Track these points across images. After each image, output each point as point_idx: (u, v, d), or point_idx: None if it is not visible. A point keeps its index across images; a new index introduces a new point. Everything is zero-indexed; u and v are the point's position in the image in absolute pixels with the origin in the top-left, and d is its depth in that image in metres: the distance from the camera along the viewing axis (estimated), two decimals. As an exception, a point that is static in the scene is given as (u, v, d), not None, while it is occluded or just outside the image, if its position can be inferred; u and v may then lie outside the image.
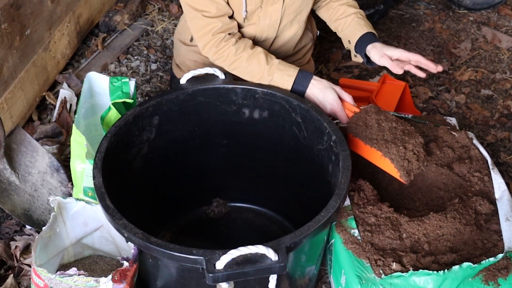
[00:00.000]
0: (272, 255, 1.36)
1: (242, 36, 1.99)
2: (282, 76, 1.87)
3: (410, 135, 1.77)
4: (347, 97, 1.89)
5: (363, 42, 1.97)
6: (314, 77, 1.89)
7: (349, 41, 2.03)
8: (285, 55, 2.10)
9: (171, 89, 1.84)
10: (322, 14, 2.15)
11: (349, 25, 2.04)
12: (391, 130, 1.77)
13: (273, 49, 2.06)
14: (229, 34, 1.93)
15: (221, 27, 1.91)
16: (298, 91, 1.87)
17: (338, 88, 1.89)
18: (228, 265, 1.36)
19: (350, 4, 2.08)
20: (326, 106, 1.87)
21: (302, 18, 2.05)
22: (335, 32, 2.13)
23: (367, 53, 1.97)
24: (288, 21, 2.02)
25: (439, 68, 1.90)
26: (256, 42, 2.01)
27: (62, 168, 2.08)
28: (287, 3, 1.97)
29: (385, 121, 1.79)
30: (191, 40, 2.11)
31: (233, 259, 1.36)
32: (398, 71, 1.90)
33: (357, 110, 1.84)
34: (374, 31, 2.00)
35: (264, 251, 1.36)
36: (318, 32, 2.28)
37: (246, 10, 1.93)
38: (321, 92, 1.87)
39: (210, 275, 1.35)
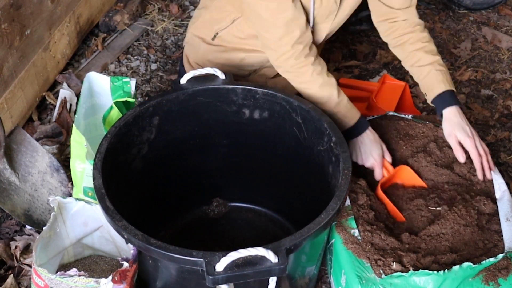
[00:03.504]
0: (272, 257, 1.36)
1: None
2: (346, 115, 1.90)
3: None
4: (388, 157, 1.93)
5: (440, 103, 1.93)
6: (370, 128, 1.92)
7: (425, 93, 1.99)
8: None
9: (171, 89, 1.84)
10: (397, 53, 2.08)
11: (425, 76, 1.97)
12: None
13: None
14: (307, 46, 1.88)
15: (300, 37, 1.85)
16: (349, 134, 1.88)
17: (384, 146, 1.93)
18: (228, 267, 1.36)
19: (427, 50, 1.99)
20: (369, 159, 1.90)
21: (331, 35, 2.05)
22: (340, 35, 2.13)
23: (443, 117, 1.92)
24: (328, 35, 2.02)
25: (488, 175, 1.87)
26: None
27: (62, 168, 2.08)
28: (336, 21, 1.96)
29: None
30: (214, 38, 2.08)
31: (233, 261, 1.36)
32: (460, 158, 1.89)
33: (392, 169, 1.92)
34: (452, 87, 1.94)
35: (264, 253, 1.36)
36: None
37: (313, 24, 1.92)
38: (371, 144, 1.90)
39: (210, 277, 1.35)
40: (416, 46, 1.99)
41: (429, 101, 1.99)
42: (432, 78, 1.95)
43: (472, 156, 1.87)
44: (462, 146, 1.89)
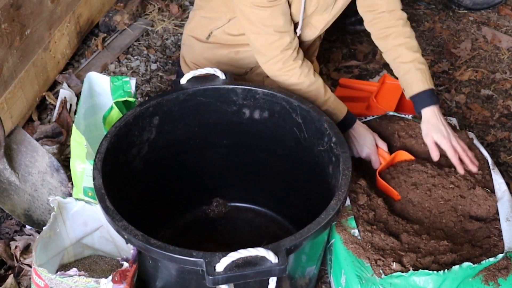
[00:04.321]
0: (272, 257, 1.36)
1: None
2: (334, 111, 1.95)
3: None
4: (382, 145, 1.98)
5: (418, 102, 1.96)
6: (358, 121, 1.98)
7: (403, 89, 2.02)
8: None
9: (171, 89, 1.84)
10: (379, 45, 2.10)
11: (405, 73, 2.00)
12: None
13: None
14: (295, 50, 1.92)
15: (289, 43, 1.90)
16: (340, 128, 1.85)
17: (376, 135, 1.98)
18: (228, 268, 1.36)
19: (409, 46, 2.01)
20: (364, 149, 1.96)
21: (328, 26, 2.06)
22: (334, 32, 2.13)
23: (421, 117, 1.96)
24: (323, 30, 2.04)
25: (474, 169, 1.91)
26: None
27: (62, 168, 2.08)
28: (333, 12, 1.98)
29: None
30: (208, 37, 2.09)
31: (233, 261, 1.36)
32: (434, 157, 1.94)
33: (388, 156, 1.97)
34: (431, 86, 1.97)
35: (264, 254, 1.36)
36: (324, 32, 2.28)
37: (303, 18, 1.94)
38: (362, 135, 1.97)
39: (210, 277, 1.35)
40: (398, 41, 2.02)
41: (407, 97, 2.02)
42: (411, 76, 1.98)
43: (448, 154, 1.91)
44: (438, 146, 1.94)
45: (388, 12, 2.02)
